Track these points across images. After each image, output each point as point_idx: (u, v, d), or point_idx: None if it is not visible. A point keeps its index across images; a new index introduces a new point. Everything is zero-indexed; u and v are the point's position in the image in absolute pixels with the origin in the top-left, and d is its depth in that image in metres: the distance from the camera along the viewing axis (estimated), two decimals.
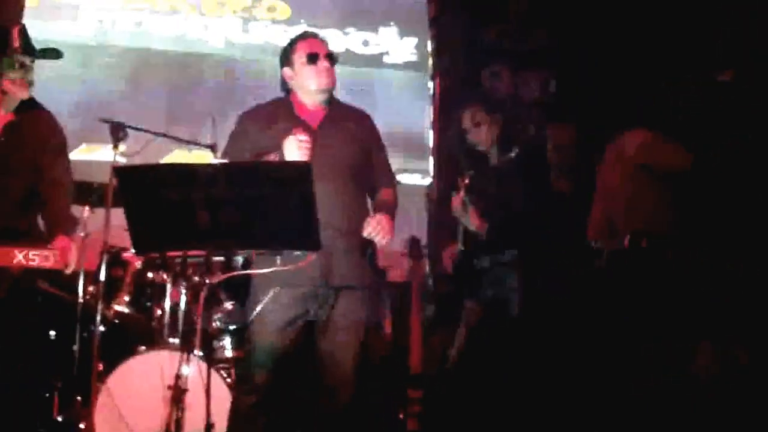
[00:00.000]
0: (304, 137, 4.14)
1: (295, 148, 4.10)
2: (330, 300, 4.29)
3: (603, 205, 5.00)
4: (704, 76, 5.01)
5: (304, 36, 4.56)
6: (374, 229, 4.14)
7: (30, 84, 4.71)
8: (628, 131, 4.94)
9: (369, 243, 4.34)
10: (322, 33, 7.23)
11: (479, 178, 5.40)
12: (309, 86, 4.44)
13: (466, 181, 5.32)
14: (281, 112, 4.47)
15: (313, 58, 4.41)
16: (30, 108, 4.77)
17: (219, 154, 4.39)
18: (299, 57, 4.45)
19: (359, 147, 4.43)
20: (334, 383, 4.32)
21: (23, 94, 4.69)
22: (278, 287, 4.20)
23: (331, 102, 4.49)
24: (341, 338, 4.31)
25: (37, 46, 4.78)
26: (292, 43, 4.53)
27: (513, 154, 5.51)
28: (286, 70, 4.50)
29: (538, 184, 5.40)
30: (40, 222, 4.77)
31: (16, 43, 4.65)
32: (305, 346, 4.34)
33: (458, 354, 5.40)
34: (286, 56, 4.51)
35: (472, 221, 5.31)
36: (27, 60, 4.68)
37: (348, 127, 4.44)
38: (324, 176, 4.00)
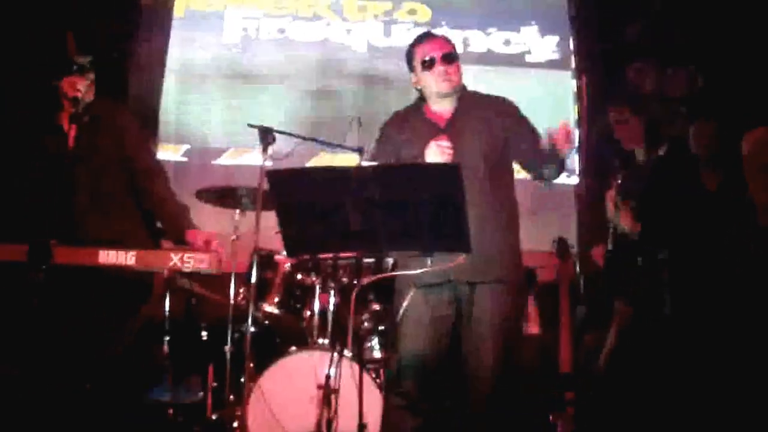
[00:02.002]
0: (446, 143, 4.12)
1: (436, 155, 4.09)
2: (470, 298, 4.23)
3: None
4: None
5: (420, 39, 4.50)
6: (563, 136, 4.02)
7: (91, 83, 4.73)
8: (749, 131, 4.84)
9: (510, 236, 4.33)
10: (464, 34, 7.40)
11: (628, 177, 5.33)
12: (430, 91, 4.42)
13: (618, 180, 5.26)
14: (413, 114, 4.48)
15: (428, 63, 4.37)
16: (100, 106, 4.80)
17: (367, 158, 4.40)
18: (417, 62, 4.42)
19: (492, 137, 4.32)
20: (472, 383, 4.25)
21: (87, 96, 4.72)
22: (417, 288, 4.18)
23: (461, 98, 4.43)
24: (481, 336, 4.22)
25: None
26: (411, 48, 4.49)
27: (661, 152, 5.43)
28: (412, 76, 4.49)
29: (687, 182, 5.27)
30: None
31: (71, 51, 4.71)
32: (453, 348, 4.31)
33: (609, 355, 5.32)
34: (409, 62, 4.49)
35: (624, 221, 5.25)
36: (84, 61, 4.71)
37: (478, 120, 4.35)
38: None
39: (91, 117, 4.73)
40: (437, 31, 7.07)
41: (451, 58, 4.38)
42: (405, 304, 4.18)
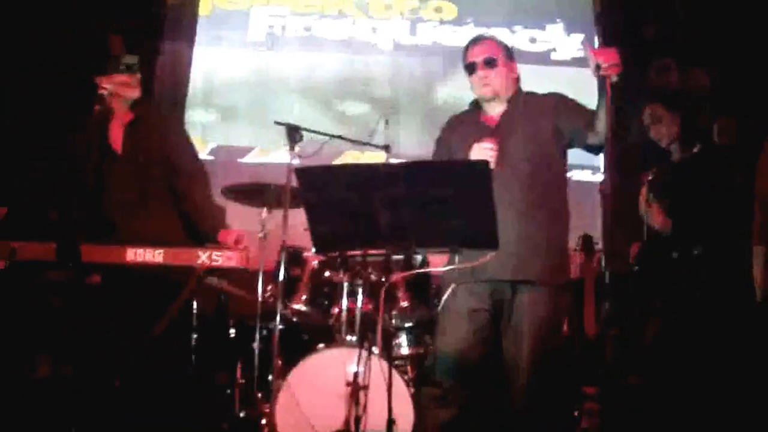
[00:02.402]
0: (489, 144, 4.16)
1: (479, 156, 4.11)
2: (511, 297, 4.25)
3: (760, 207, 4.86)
4: None
5: (469, 44, 4.54)
6: (604, 57, 3.89)
7: (138, 83, 4.82)
8: None
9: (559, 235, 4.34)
10: (489, 32, 7.29)
11: (661, 175, 5.31)
12: (476, 95, 4.50)
13: (650, 177, 5.25)
14: (467, 117, 4.54)
15: (469, 69, 4.45)
16: (145, 105, 4.91)
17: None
18: (463, 67, 4.49)
19: (539, 137, 4.34)
20: (510, 382, 4.28)
21: (134, 94, 4.81)
22: (456, 284, 4.23)
23: (512, 100, 4.45)
24: (520, 335, 4.24)
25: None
26: (463, 51, 4.53)
27: (695, 150, 5.41)
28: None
29: (722, 179, 5.26)
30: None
31: (117, 51, 4.76)
32: (493, 346, 4.33)
33: (644, 352, 5.31)
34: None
35: (655, 218, 5.24)
36: (132, 61, 4.79)
37: (526, 121, 4.37)
38: (501, 173, 4.05)
39: (135, 116, 4.82)
40: (463, 29, 7.21)
41: (491, 63, 4.40)
42: (444, 298, 4.24)
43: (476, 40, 4.53)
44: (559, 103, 4.45)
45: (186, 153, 4.97)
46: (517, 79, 4.50)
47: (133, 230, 4.59)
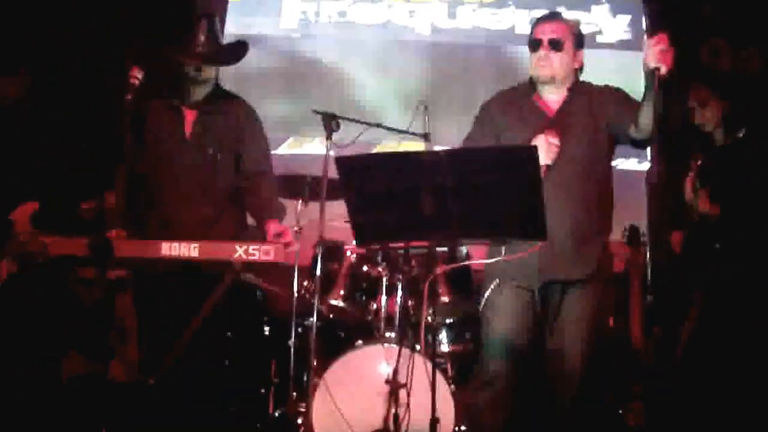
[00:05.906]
0: (555, 140, 4.05)
1: (542, 148, 3.95)
2: (556, 294, 4.19)
3: None
4: None
5: (539, 19, 4.39)
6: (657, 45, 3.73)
7: (213, 76, 4.77)
8: None
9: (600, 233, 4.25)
10: (532, 14, 7.20)
11: (706, 160, 5.24)
12: (531, 74, 4.33)
13: (698, 162, 5.18)
14: (522, 96, 4.37)
15: (533, 46, 4.29)
16: (220, 97, 4.84)
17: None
18: (528, 42, 4.33)
19: (597, 132, 4.24)
20: (559, 381, 4.24)
21: (207, 86, 4.75)
22: (500, 279, 4.17)
23: (572, 89, 4.31)
24: (568, 334, 4.20)
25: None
26: (532, 26, 4.40)
27: (740, 135, 5.35)
28: None
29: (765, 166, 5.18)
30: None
31: (202, 36, 4.69)
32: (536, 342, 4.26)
33: (686, 345, 5.24)
34: None
35: (702, 204, 5.16)
36: (211, 54, 4.74)
37: (586, 114, 4.25)
38: (557, 168, 4.02)
39: (208, 107, 4.77)
40: (504, 12, 7.01)
41: (557, 45, 4.24)
42: (487, 294, 4.20)
43: (548, 18, 4.38)
44: (612, 96, 4.32)
45: (256, 152, 4.89)
46: (579, 69, 4.37)
47: (185, 222, 4.59)
